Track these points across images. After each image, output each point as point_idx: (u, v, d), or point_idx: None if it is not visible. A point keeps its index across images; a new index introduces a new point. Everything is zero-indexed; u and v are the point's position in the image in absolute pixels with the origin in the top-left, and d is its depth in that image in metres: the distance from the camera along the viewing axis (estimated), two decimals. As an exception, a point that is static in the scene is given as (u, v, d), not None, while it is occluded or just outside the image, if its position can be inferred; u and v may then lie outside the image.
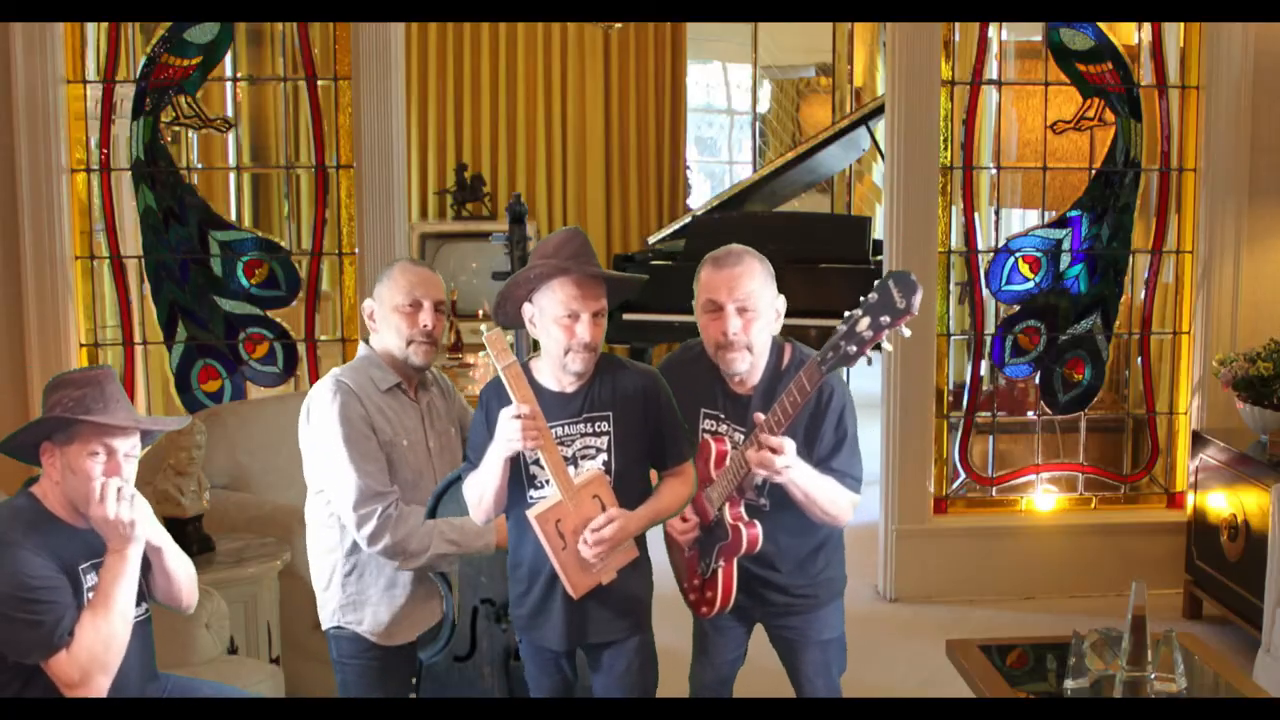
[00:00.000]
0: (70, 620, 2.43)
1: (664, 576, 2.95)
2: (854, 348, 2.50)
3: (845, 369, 2.82)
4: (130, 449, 2.53)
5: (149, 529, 2.55)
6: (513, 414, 2.54)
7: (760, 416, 2.66)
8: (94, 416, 2.46)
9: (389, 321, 2.99)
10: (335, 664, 3.06)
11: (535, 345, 2.73)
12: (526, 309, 2.66)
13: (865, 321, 2.48)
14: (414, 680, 3.16)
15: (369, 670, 3.02)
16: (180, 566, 2.68)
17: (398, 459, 2.95)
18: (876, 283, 2.49)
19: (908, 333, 2.53)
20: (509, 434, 2.54)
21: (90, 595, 2.51)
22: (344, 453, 2.87)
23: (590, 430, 2.66)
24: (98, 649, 2.42)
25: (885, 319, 2.46)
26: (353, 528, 2.88)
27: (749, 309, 2.71)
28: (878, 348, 2.59)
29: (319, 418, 2.92)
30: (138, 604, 2.64)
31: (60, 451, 2.49)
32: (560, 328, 2.59)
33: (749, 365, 2.77)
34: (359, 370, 3.00)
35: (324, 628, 3.06)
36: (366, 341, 3.10)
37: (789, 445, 2.65)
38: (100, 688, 2.44)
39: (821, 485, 2.76)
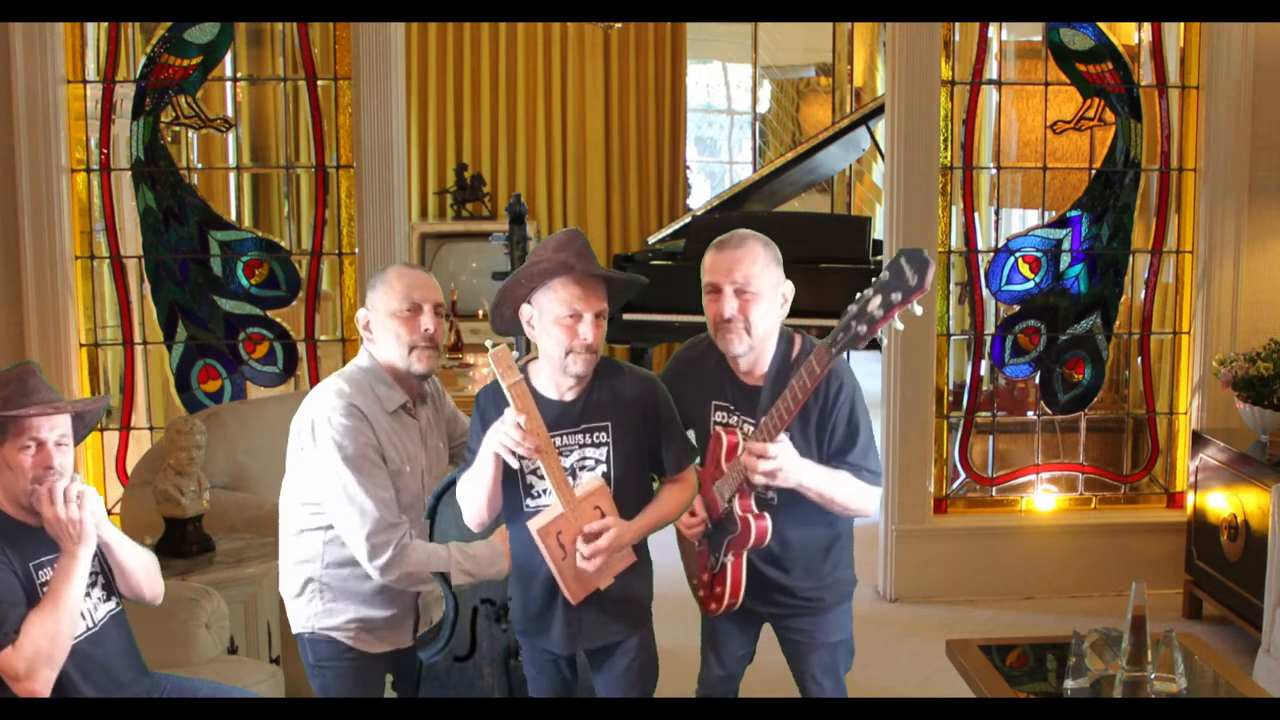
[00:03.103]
0: (16, 617, 2.46)
1: (666, 577, 2.95)
2: (864, 327, 2.49)
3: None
4: (60, 437, 2.57)
5: (100, 526, 2.58)
6: (513, 420, 2.51)
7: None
8: (13, 410, 2.50)
9: (387, 329, 2.89)
10: (312, 668, 2.99)
11: (528, 347, 2.71)
12: (525, 310, 2.63)
13: (877, 300, 2.46)
14: (392, 677, 3.15)
15: (347, 673, 2.97)
16: (134, 560, 2.70)
17: (401, 485, 2.89)
18: (888, 261, 2.48)
19: (919, 310, 2.51)
20: (504, 437, 2.51)
21: (44, 591, 2.54)
22: (357, 481, 2.79)
23: (589, 441, 2.64)
24: (43, 644, 2.46)
25: (897, 295, 2.44)
26: (363, 555, 2.80)
27: (747, 291, 2.71)
28: (874, 346, 2.58)
29: (328, 441, 2.82)
30: (108, 599, 2.67)
31: None
32: (561, 328, 2.56)
33: (747, 347, 2.75)
34: (365, 388, 2.88)
35: (295, 632, 3.01)
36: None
37: (783, 450, 2.65)
38: (45, 681, 2.48)
39: (835, 482, 2.75)
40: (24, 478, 2.52)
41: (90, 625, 2.61)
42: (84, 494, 2.53)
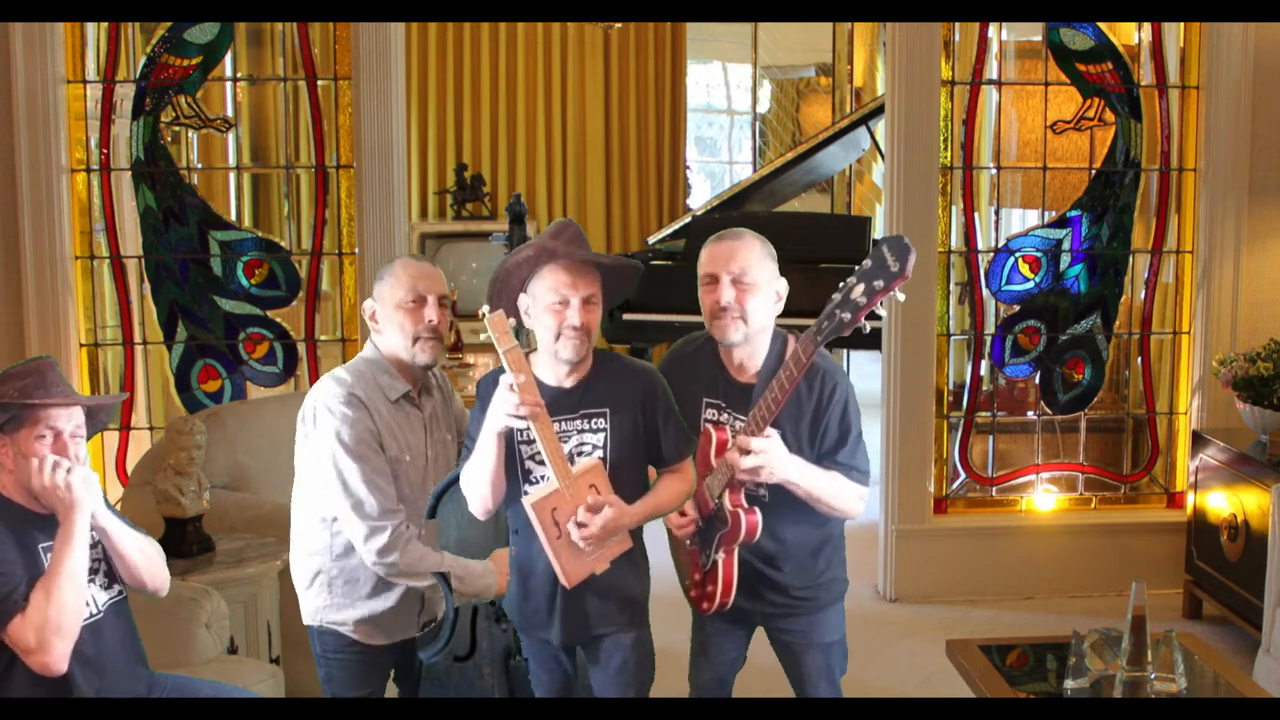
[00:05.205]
0: (24, 589, 2.51)
1: (664, 577, 2.95)
2: (848, 314, 2.52)
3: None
4: (75, 429, 2.62)
5: (95, 504, 2.61)
6: (508, 382, 2.52)
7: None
8: (35, 400, 2.56)
9: (393, 320, 2.94)
10: (318, 658, 3.08)
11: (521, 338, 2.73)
12: (522, 300, 2.67)
13: (860, 288, 2.50)
14: (394, 673, 3.19)
15: (352, 665, 3.03)
16: (132, 546, 2.71)
17: (400, 475, 2.93)
18: (872, 250, 2.51)
19: (902, 297, 2.54)
20: (504, 403, 2.52)
21: None
22: (357, 469, 2.84)
23: (587, 426, 2.66)
24: (50, 612, 2.49)
25: (879, 283, 2.48)
26: (360, 540, 2.85)
27: (744, 281, 2.73)
28: (874, 316, 2.59)
29: (328, 428, 2.87)
30: (109, 586, 2.69)
31: (10, 439, 2.58)
32: (551, 313, 2.60)
33: (743, 336, 2.76)
34: (367, 378, 2.93)
35: (306, 623, 3.07)
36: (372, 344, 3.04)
37: (769, 444, 2.66)
38: (59, 653, 2.50)
39: (823, 480, 2.77)
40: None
41: (94, 611, 2.63)
42: (78, 469, 2.58)
